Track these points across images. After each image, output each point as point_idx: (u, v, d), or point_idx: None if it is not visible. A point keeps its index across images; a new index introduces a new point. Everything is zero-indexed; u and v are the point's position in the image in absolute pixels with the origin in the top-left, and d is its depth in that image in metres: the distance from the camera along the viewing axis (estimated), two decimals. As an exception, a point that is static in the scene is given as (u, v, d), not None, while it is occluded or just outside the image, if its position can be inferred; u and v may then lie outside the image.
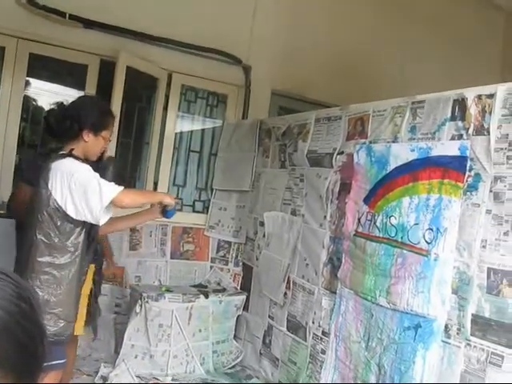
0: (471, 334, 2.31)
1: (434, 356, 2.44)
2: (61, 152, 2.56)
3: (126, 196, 2.47)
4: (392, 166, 2.77)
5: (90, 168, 2.47)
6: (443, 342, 2.42)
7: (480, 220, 2.32)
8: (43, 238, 2.48)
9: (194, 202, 4.88)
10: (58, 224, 2.48)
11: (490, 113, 2.31)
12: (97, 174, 2.46)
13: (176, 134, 4.77)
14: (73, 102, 2.67)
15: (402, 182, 2.70)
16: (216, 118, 4.98)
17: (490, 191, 2.29)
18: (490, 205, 2.29)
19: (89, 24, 4.19)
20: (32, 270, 2.49)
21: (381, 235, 2.80)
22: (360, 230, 2.97)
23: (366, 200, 2.94)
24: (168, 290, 4.06)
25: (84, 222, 2.52)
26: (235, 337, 4.31)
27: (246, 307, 4.27)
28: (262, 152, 4.32)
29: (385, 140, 2.91)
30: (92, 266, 2.84)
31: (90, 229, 2.61)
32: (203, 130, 4.96)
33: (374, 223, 2.85)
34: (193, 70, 4.68)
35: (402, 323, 2.62)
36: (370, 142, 3.01)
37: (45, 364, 0.74)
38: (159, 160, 4.60)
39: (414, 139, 2.72)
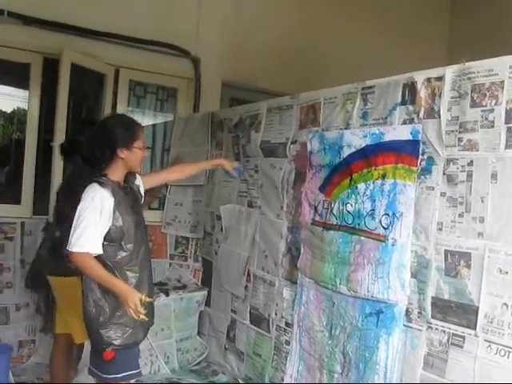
0: (432, 317, 2.33)
1: (396, 341, 2.45)
2: (94, 177, 2.52)
3: (81, 261, 2.40)
4: (346, 152, 2.75)
5: (96, 207, 2.42)
6: (405, 326, 2.43)
7: (435, 203, 2.33)
8: None
9: (149, 199, 4.75)
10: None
11: (440, 95, 2.31)
12: (93, 216, 2.41)
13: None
14: (94, 129, 2.66)
15: (356, 169, 2.69)
16: (167, 112, 4.91)
17: (444, 174, 2.30)
18: (444, 187, 2.30)
19: (29, 21, 4.04)
20: None
21: (338, 223, 2.79)
22: (317, 218, 2.95)
23: (322, 188, 2.92)
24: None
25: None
26: (199, 333, 4.27)
27: (207, 303, 4.23)
28: (215, 145, 4.26)
29: (337, 127, 2.89)
30: None
31: None
32: (154, 126, 4.89)
33: (331, 211, 2.84)
34: (140, 64, 4.58)
35: (364, 310, 2.62)
36: (323, 130, 2.98)
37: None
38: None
39: (366, 125, 2.71)
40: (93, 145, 2.55)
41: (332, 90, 2.99)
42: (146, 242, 2.67)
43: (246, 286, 3.68)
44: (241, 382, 3.72)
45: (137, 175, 2.72)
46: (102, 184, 2.46)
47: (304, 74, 4.78)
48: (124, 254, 2.50)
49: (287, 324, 3.26)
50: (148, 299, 2.44)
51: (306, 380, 3.02)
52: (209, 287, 4.23)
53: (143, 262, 2.59)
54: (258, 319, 3.58)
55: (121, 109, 4.52)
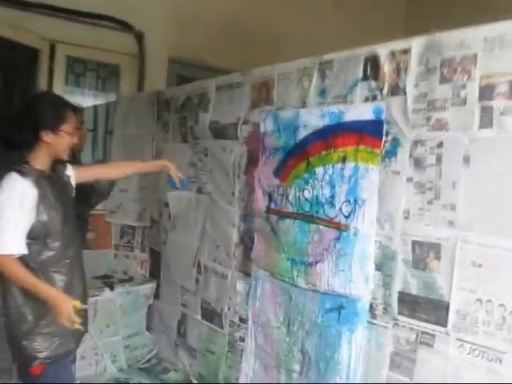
0: (399, 313, 2.19)
1: (360, 339, 2.31)
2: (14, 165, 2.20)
3: (3, 265, 2.11)
4: (302, 133, 2.58)
5: (15, 201, 2.12)
6: (369, 323, 2.29)
7: (401, 189, 2.17)
8: None
9: (91, 186, 4.46)
10: None
11: (406, 70, 2.15)
12: (14, 212, 2.12)
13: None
14: (20, 107, 2.36)
15: (313, 151, 2.52)
16: (109, 91, 4.61)
17: (410, 156, 2.14)
18: (410, 172, 2.14)
19: None
20: None
21: (294, 211, 2.63)
22: (272, 206, 2.78)
23: (276, 173, 2.75)
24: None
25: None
26: (148, 328, 4.06)
27: (156, 296, 4.01)
28: (161, 126, 4.02)
29: (293, 106, 2.71)
30: None
31: None
32: (96, 106, 4.59)
33: (287, 198, 2.68)
34: (79, 39, 4.26)
35: (324, 305, 2.47)
36: (277, 109, 2.80)
37: None
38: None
39: (324, 103, 2.53)
40: (13, 125, 2.23)
41: (286, 65, 2.79)
42: (76, 240, 2.37)
43: (197, 279, 3.48)
44: (193, 380, 3.52)
45: (68, 164, 2.41)
46: (22, 173, 2.15)
47: (256, 51, 4.53)
48: (50, 253, 2.21)
49: (241, 319, 3.08)
50: (83, 306, 2.16)
51: (263, 380, 2.85)
52: (157, 279, 4.01)
53: (73, 263, 2.30)
54: (210, 314, 3.38)
55: (58, 88, 4.20)
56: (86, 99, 4.51)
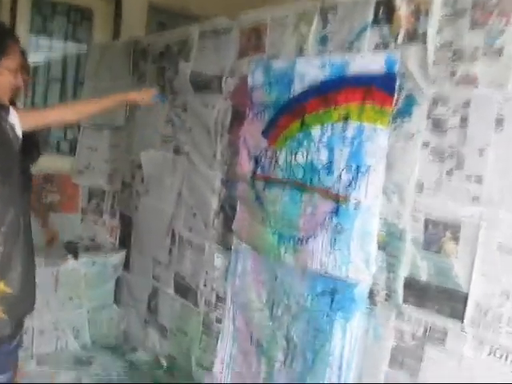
0: (404, 302, 1.92)
1: (356, 328, 2.06)
2: None
3: None
4: (297, 87, 2.31)
5: None
6: (368, 310, 2.03)
7: (414, 155, 1.89)
8: None
9: (57, 143, 4.18)
10: None
11: (427, 13, 1.85)
12: None
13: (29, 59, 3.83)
14: None
15: (310, 108, 2.25)
16: (81, 39, 4.26)
17: (428, 117, 1.86)
18: (427, 135, 1.85)
19: None
20: None
21: (284, 177, 2.39)
22: (258, 171, 2.53)
23: (265, 133, 2.50)
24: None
25: None
26: (115, 302, 3.78)
27: (126, 266, 3.73)
28: (136, 79, 3.70)
29: (288, 55, 2.43)
30: None
31: None
32: (65, 54, 4.24)
33: (276, 162, 2.43)
34: (46, -25, 3.90)
35: (315, 287, 2.23)
36: (269, 58, 2.52)
37: None
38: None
39: (325, 52, 2.26)
40: None
41: (282, 9, 2.51)
42: (19, 202, 1.99)
43: (171, 250, 3.21)
44: (163, 361, 3.26)
45: (11, 109, 2.00)
46: None
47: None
48: None
49: (219, 298, 2.82)
50: (7, 290, 1.79)
51: (241, 367, 2.60)
52: (127, 248, 3.72)
53: (13, 230, 1.92)
54: (183, 290, 3.11)
55: (21, 33, 3.75)
56: (54, 46, 4.18)
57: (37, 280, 2.09)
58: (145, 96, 2.53)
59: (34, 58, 4.02)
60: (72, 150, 4.15)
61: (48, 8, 4.06)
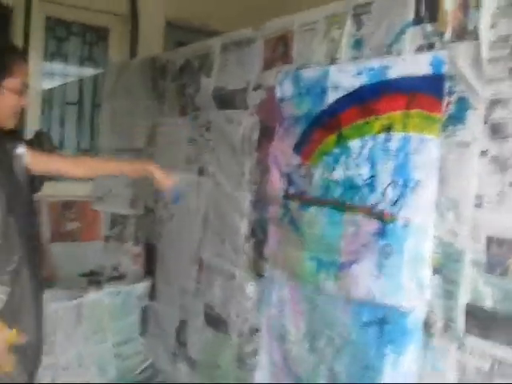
0: (466, 332, 1.72)
1: (410, 363, 1.86)
2: None
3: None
4: (331, 97, 2.20)
5: None
6: (423, 343, 1.84)
7: (471, 166, 1.73)
8: None
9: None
10: None
11: (478, 6, 1.70)
12: None
13: (44, 82, 4.02)
14: None
15: (347, 120, 2.14)
16: (97, 59, 4.27)
17: (485, 123, 1.69)
18: (485, 143, 1.69)
19: None
20: None
21: (321, 196, 2.26)
22: (291, 190, 2.42)
23: (297, 148, 2.39)
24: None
25: None
26: (141, 334, 3.65)
27: (152, 296, 3.60)
28: (156, 98, 3.63)
29: (318, 63, 2.32)
30: None
31: None
32: (81, 76, 4.26)
33: (311, 180, 2.32)
34: (60, -4, 3.92)
35: (360, 317, 2.05)
36: (298, 69, 2.42)
37: None
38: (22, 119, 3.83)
39: (360, 58, 2.14)
40: None
41: (309, 14, 2.39)
42: (26, 238, 1.84)
43: (198, 278, 3.08)
44: None
45: (18, 141, 1.87)
46: None
47: (269, 11, 4.06)
48: None
49: (252, 329, 2.65)
50: (19, 338, 1.62)
51: None
52: (153, 277, 3.60)
53: (21, 270, 1.76)
54: (214, 320, 2.95)
55: (35, 55, 3.83)
56: (69, 68, 4.20)
57: (59, 313, 1.94)
58: (167, 181, 2.28)
59: (50, 82, 4.05)
60: (91, 176, 4.09)
61: (62, 30, 4.07)
